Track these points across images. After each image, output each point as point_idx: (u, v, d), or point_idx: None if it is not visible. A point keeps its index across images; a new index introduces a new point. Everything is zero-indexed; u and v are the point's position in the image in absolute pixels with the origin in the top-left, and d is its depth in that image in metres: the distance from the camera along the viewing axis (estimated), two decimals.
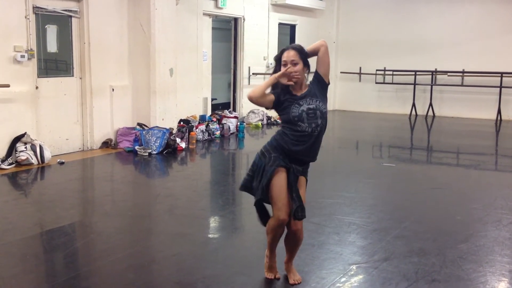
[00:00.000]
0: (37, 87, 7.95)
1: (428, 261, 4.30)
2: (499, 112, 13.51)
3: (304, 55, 3.76)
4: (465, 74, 13.79)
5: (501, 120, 13.49)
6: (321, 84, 3.84)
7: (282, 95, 3.76)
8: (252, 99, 3.73)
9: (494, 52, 13.56)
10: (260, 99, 3.74)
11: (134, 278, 3.99)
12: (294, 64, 3.69)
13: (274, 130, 11.84)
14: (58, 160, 7.86)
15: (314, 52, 3.83)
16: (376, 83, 14.90)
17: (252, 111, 12.40)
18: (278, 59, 3.78)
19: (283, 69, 3.71)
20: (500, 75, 13.24)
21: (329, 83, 3.89)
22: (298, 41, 14.60)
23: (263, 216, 3.93)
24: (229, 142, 10.32)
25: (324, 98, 3.83)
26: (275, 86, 3.78)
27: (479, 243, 4.75)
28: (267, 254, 3.96)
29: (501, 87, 13.33)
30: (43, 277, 4.11)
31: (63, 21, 8.44)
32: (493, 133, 12.23)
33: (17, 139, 7.57)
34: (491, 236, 4.96)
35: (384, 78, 14.85)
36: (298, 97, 3.74)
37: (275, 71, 3.80)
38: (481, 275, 4.08)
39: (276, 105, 3.78)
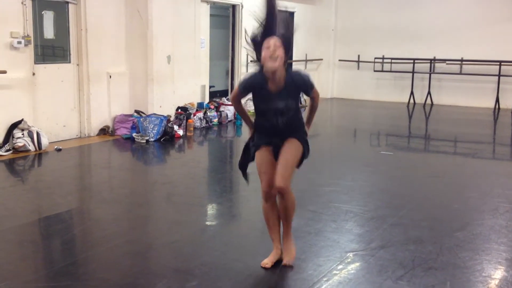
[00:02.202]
0: (34, 74, 7.91)
1: (424, 249, 4.31)
2: (497, 100, 13.50)
3: (288, 43, 3.74)
4: (463, 62, 13.77)
5: (499, 108, 13.48)
6: (299, 90, 3.92)
7: (257, 89, 3.82)
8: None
9: (493, 41, 13.51)
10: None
11: (131, 264, 3.99)
12: (277, 46, 3.67)
13: None
14: (55, 147, 7.85)
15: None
16: (375, 71, 14.87)
17: (250, 99, 12.34)
18: (259, 44, 3.72)
19: (265, 52, 3.66)
20: (498, 63, 13.22)
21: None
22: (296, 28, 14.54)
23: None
24: (226, 130, 10.31)
25: (297, 96, 3.90)
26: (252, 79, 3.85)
27: (475, 231, 4.77)
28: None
29: (499, 75, 13.31)
30: (40, 264, 4.12)
31: (60, 7, 8.38)
32: (491, 121, 12.24)
33: (14, 125, 7.55)
34: (487, 224, 4.98)
35: (382, 66, 14.81)
36: (272, 94, 3.77)
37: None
38: (478, 263, 4.09)
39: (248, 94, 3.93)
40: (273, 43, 3.66)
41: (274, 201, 3.97)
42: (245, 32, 3.94)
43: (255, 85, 3.81)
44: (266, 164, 3.89)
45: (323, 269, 3.92)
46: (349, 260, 4.09)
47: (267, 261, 3.94)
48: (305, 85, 3.88)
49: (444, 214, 5.29)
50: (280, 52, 3.66)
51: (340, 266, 3.97)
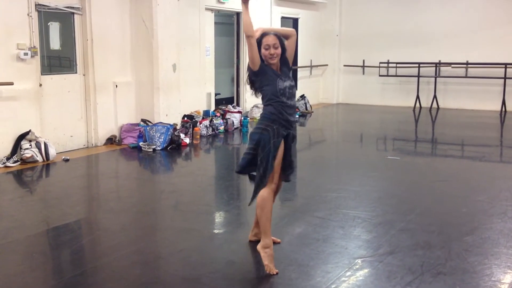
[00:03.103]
0: (40, 85, 7.97)
1: (433, 254, 4.30)
2: (503, 103, 13.45)
3: (282, 41, 4.15)
4: (469, 65, 13.74)
5: (505, 111, 13.43)
6: (286, 66, 4.22)
7: (267, 67, 4.12)
8: (248, 33, 4.03)
9: (498, 43, 13.50)
10: (252, 33, 4.01)
11: (140, 274, 4.00)
12: (275, 47, 4.08)
13: None
14: (63, 157, 7.88)
15: (285, 37, 4.24)
16: (380, 75, 14.87)
17: (255, 106, 12.39)
18: (259, 43, 4.07)
19: (264, 52, 4.06)
20: (504, 66, 13.18)
21: (291, 68, 4.30)
22: (301, 34, 14.56)
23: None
24: (233, 137, 10.33)
25: (292, 79, 4.26)
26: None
27: (484, 236, 4.75)
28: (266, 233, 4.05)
29: (505, 78, 13.27)
30: (49, 274, 4.13)
31: (65, 18, 8.44)
32: (497, 124, 12.19)
33: (22, 136, 7.59)
34: (496, 228, 4.95)
35: (387, 70, 14.81)
36: (279, 74, 4.14)
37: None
38: (487, 267, 4.07)
39: (260, 71, 4.09)
40: (272, 44, 4.06)
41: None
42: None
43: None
44: (279, 159, 4.09)
45: (332, 276, 3.91)
46: (357, 266, 4.08)
47: (271, 266, 3.94)
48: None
49: (452, 218, 5.28)
50: (278, 51, 4.09)
51: (348, 273, 3.96)
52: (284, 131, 4.08)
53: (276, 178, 4.09)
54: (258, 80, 4.14)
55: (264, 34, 4.11)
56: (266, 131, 4.03)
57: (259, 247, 4.08)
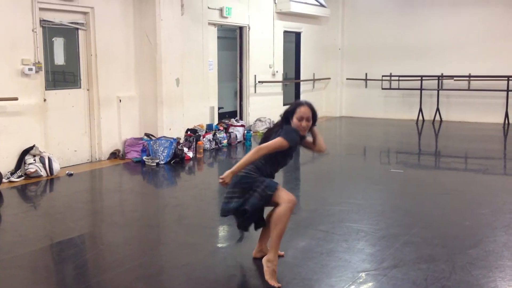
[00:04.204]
0: (45, 100, 8.01)
1: (437, 267, 4.29)
2: (506, 115, 13.46)
3: (315, 115, 4.26)
4: (471, 78, 13.76)
5: (509, 123, 13.43)
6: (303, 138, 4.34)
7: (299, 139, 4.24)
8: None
9: (500, 56, 13.54)
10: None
11: None
12: (308, 120, 4.18)
13: None
14: (67, 172, 7.91)
15: (313, 138, 4.42)
16: (383, 88, 14.90)
17: (259, 119, 12.43)
18: (291, 111, 4.19)
19: (296, 122, 4.15)
20: (506, 78, 13.20)
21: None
22: (304, 48, 14.67)
23: (260, 220, 4.28)
24: (236, 151, 10.34)
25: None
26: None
27: (488, 249, 4.74)
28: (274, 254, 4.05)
29: (508, 90, 13.28)
30: None
31: (70, 33, 8.51)
32: (501, 137, 12.18)
33: (26, 151, 7.63)
34: (500, 241, 4.94)
35: (390, 83, 14.84)
36: (293, 150, 4.31)
37: (284, 122, 4.22)
38: (491, 280, 4.06)
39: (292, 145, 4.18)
40: (306, 116, 4.17)
41: None
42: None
43: (297, 141, 4.19)
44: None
45: None
46: (361, 280, 4.08)
47: (271, 282, 3.94)
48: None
49: (456, 231, 5.27)
50: (309, 124, 4.22)
51: (352, 287, 3.95)
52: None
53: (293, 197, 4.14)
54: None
55: (299, 104, 4.22)
56: (250, 174, 4.10)
57: (264, 259, 4.10)
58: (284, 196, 4.03)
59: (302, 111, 4.16)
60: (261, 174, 4.12)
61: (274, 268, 4.00)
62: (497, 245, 4.83)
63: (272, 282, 3.93)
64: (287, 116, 4.22)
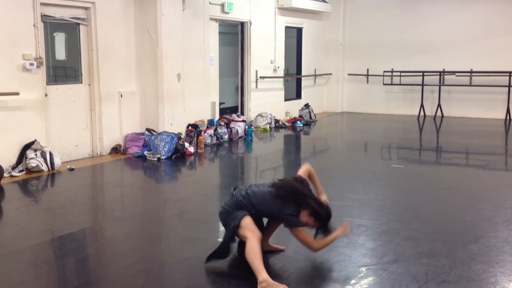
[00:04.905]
0: (46, 95, 8.02)
1: (438, 262, 4.29)
2: (508, 111, 13.44)
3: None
4: (473, 74, 13.74)
5: (510, 119, 13.41)
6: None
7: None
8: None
9: (502, 52, 13.51)
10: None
11: (144, 283, 4.01)
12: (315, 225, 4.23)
13: (282, 133, 11.87)
14: (68, 167, 7.92)
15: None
16: (384, 84, 14.88)
17: (260, 115, 12.43)
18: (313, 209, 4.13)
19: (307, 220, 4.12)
20: (508, 74, 13.19)
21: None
22: (305, 44, 14.65)
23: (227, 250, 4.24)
24: (237, 146, 10.35)
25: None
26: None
27: (489, 244, 4.74)
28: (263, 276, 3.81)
29: (509, 86, 13.27)
30: (54, 283, 4.15)
31: (71, 28, 8.51)
32: (502, 132, 12.17)
33: (27, 146, 7.64)
34: (501, 236, 4.94)
35: (391, 79, 14.83)
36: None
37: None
38: (492, 275, 4.07)
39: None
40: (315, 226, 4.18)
41: None
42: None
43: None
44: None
45: (336, 284, 3.91)
46: (362, 274, 4.08)
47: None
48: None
49: (457, 226, 5.27)
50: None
51: (353, 281, 3.96)
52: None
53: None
54: None
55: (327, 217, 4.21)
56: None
57: (258, 286, 3.81)
58: (249, 232, 3.98)
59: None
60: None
61: (270, 282, 3.76)
62: (497, 240, 4.83)
63: None
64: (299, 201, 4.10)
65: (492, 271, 4.14)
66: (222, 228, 5.49)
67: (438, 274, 4.06)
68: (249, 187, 4.26)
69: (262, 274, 3.76)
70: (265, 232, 4.40)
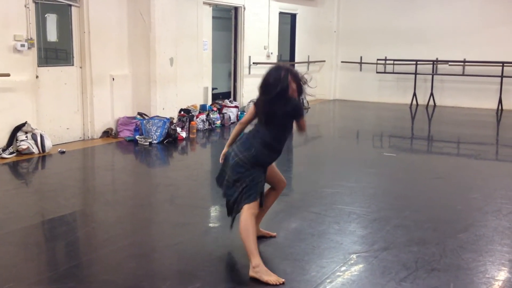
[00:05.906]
0: (37, 76, 7.94)
1: (428, 250, 4.31)
2: (500, 101, 13.49)
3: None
4: (466, 63, 13.76)
5: (502, 109, 13.47)
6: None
7: None
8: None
9: (495, 42, 13.52)
10: None
11: (135, 267, 4.00)
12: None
13: None
14: (59, 150, 7.87)
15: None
16: (377, 72, 14.87)
17: (252, 101, 12.37)
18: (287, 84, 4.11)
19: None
20: (501, 64, 13.20)
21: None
22: (299, 30, 14.59)
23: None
24: (229, 132, 10.30)
25: None
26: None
27: (479, 233, 4.77)
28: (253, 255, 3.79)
29: (502, 76, 13.29)
30: (44, 266, 4.13)
31: (62, 10, 8.41)
32: (494, 122, 12.23)
33: (18, 128, 7.57)
34: (491, 225, 4.97)
35: (385, 67, 14.82)
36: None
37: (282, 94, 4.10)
38: (481, 264, 4.09)
39: None
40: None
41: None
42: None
43: None
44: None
45: (326, 270, 3.92)
46: (352, 261, 4.10)
47: (272, 279, 3.71)
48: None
49: (447, 215, 5.29)
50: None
51: (343, 268, 3.97)
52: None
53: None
54: None
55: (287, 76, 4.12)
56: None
57: (250, 270, 3.77)
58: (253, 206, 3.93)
59: (293, 87, 4.10)
60: (264, 156, 4.13)
61: (264, 268, 3.75)
62: (487, 230, 4.86)
63: (272, 280, 3.70)
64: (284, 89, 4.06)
65: (482, 260, 4.16)
66: (213, 214, 5.53)
67: (428, 262, 4.08)
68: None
69: (256, 259, 3.76)
70: (258, 216, 4.32)
